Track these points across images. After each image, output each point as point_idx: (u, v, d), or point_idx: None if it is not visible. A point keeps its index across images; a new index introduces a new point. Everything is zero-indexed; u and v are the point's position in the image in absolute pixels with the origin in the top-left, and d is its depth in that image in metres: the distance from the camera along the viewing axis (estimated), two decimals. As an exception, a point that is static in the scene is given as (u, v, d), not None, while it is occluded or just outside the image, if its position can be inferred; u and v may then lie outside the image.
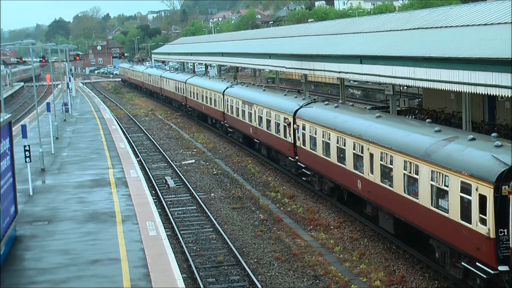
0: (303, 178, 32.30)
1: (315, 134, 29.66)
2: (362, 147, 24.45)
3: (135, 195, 27.64)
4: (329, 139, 27.99)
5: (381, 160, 22.99)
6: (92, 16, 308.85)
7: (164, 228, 23.23)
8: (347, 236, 25.29)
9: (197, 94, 58.67)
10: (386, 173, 22.79)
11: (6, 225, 20.35)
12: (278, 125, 35.23)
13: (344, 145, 26.26)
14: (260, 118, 38.75)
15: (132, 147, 45.57)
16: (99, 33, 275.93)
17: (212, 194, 33.25)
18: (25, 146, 28.71)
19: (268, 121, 37.05)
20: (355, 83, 74.11)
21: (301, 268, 22.07)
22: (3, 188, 20.24)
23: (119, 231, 22.32)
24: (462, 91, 22.34)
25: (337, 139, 27.02)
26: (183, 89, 65.55)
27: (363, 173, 24.56)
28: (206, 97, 54.33)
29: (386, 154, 22.60)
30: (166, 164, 42.23)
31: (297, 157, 32.54)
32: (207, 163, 41.68)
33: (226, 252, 24.11)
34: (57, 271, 18.54)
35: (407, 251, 22.62)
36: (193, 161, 42.78)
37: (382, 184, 23.11)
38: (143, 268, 18.47)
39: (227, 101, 47.05)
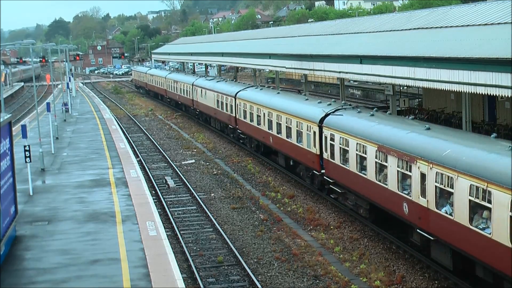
0: None
1: None
2: None
3: (135, 195, 27.63)
4: None
5: None
6: (92, 16, 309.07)
7: (164, 228, 23.22)
8: (347, 236, 25.29)
9: (258, 116, 39.61)
10: None
11: (6, 225, 20.35)
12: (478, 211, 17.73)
13: None
14: (442, 192, 19.33)
15: (132, 147, 45.56)
16: (99, 33, 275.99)
17: (212, 194, 33.25)
18: (25, 146, 28.70)
19: (462, 199, 18.12)
20: (355, 83, 74.12)
21: (301, 268, 22.08)
22: (3, 188, 20.23)
23: (119, 231, 22.32)
24: (462, 91, 22.35)
25: None
26: (231, 106, 46.12)
27: None
28: (279, 124, 35.38)
29: None
30: (166, 164, 42.23)
31: None
32: (207, 163, 41.68)
33: (226, 252, 24.11)
34: (57, 271, 18.54)
35: (407, 251, 22.62)
36: (193, 161, 42.78)
37: None
38: (143, 268, 18.47)
39: (330, 139, 27.96)
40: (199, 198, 32.06)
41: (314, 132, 29.72)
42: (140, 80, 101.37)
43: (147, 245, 20.57)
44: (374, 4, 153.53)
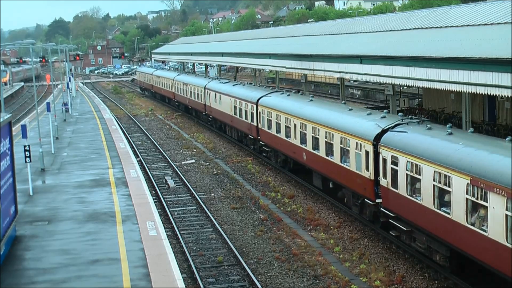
0: None
1: None
2: None
3: (135, 195, 27.64)
4: None
5: None
6: (92, 16, 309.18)
7: (164, 228, 23.24)
8: (347, 236, 25.29)
9: (287, 128, 33.63)
10: None
11: (6, 225, 20.36)
12: None
13: None
14: None
15: (132, 147, 45.58)
16: (99, 33, 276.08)
17: (212, 194, 33.25)
18: (25, 146, 28.73)
19: None
20: (355, 83, 74.19)
21: (301, 268, 22.08)
22: (3, 188, 20.24)
23: (119, 231, 22.33)
24: (462, 91, 22.36)
25: None
26: (252, 113, 40.40)
27: None
28: (316, 138, 29.58)
29: None
30: (166, 164, 42.23)
31: None
32: (207, 163, 41.68)
33: (226, 252, 24.11)
34: (57, 271, 18.55)
35: (407, 251, 22.62)
36: (193, 161, 42.78)
37: None
38: (143, 268, 18.48)
39: (392, 162, 22.30)
40: (199, 198, 32.06)
41: (367, 152, 23.96)
42: (145, 81, 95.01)
43: (147, 245, 20.58)
44: (374, 4, 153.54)
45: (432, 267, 20.98)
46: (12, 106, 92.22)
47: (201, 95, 56.53)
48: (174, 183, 36.01)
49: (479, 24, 26.21)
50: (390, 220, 22.68)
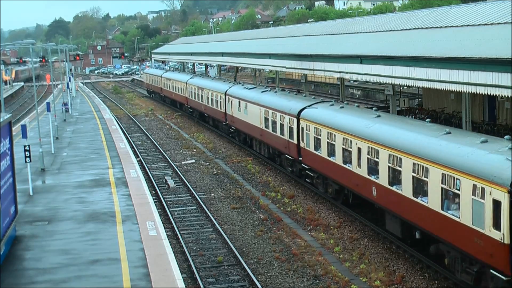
0: None
1: None
2: None
3: (135, 195, 27.64)
4: None
5: None
6: (92, 16, 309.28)
7: (164, 228, 23.24)
8: (347, 236, 25.29)
9: (346, 151, 26.37)
10: None
11: (6, 225, 20.35)
12: None
13: None
14: None
15: (132, 147, 45.58)
16: (99, 33, 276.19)
17: (212, 194, 33.25)
18: (25, 146, 28.74)
19: None
20: (355, 83, 74.19)
21: (301, 268, 22.08)
22: (3, 188, 20.24)
23: (119, 231, 22.33)
24: (462, 91, 22.37)
25: None
26: (291, 128, 32.99)
27: None
28: (395, 170, 22.11)
29: None
30: (166, 164, 42.23)
31: None
32: (207, 163, 41.68)
33: (226, 252, 24.12)
34: (57, 271, 18.55)
35: (407, 251, 22.63)
36: (193, 161, 42.78)
37: None
38: (143, 268, 18.48)
39: None
40: (199, 198, 32.07)
41: (497, 202, 16.42)
42: (153, 84, 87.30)
43: (147, 245, 20.58)
44: (374, 4, 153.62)
45: (432, 267, 21.00)
46: (12, 106, 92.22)
47: (220, 102, 49.22)
48: (174, 183, 36.01)
49: (479, 24, 26.21)
50: None
